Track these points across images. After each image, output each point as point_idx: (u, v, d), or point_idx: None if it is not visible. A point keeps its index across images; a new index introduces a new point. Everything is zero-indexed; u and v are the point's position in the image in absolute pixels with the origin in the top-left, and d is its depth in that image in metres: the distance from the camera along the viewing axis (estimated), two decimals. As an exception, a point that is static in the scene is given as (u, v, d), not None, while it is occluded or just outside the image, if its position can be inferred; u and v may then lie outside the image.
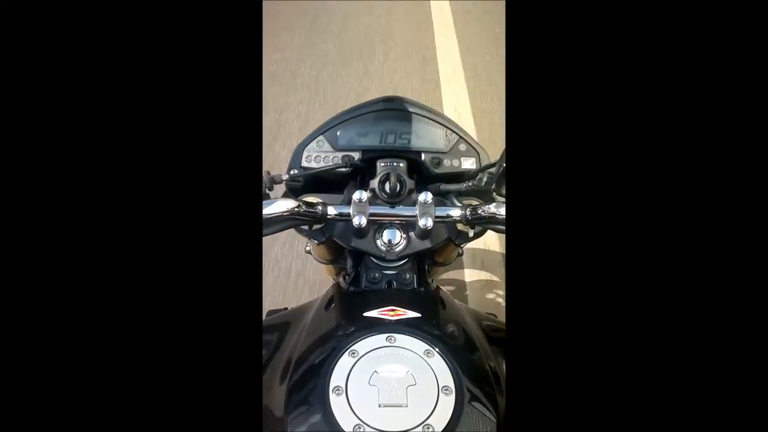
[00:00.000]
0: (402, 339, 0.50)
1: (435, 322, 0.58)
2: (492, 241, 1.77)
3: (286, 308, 0.82)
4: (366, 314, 0.54)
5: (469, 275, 1.70)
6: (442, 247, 0.73)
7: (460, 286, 1.67)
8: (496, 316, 0.80)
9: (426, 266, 0.74)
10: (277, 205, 0.58)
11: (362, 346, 0.49)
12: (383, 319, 0.53)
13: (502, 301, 1.64)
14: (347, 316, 0.59)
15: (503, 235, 0.65)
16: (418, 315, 0.55)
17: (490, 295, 1.65)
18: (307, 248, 0.85)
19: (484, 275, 1.70)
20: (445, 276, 1.67)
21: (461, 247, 0.78)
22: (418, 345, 0.49)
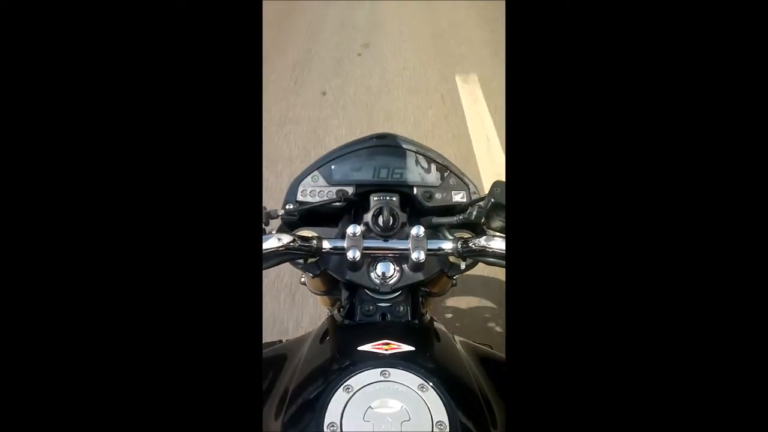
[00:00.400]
0: (396, 373, 0.50)
1: (429, 355, 0.59)
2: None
3: (280, 340, 0.82)
4: (360, 348, 0.55)
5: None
6: (435, 278, 0.74)
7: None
8: (491, 347, 0.80)
9: (420, 298, 0.75)
10: (272, 241, 0.60)
11: (357, 381, 0.49)
12: (377, 353, 0.54)
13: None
14: (341, 351, 0.60)
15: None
16: (412, 348, 0.55)
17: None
18: (302, 280, 0.86)
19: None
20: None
21: (454, 278, 0.80)
22: (412, 379, 0.50)
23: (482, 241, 0.62)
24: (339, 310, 0.73)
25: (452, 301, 1.69)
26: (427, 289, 0.80)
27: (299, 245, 0.62)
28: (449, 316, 1.65)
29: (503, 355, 0.68)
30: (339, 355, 0.58)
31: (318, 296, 0.89)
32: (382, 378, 0.50)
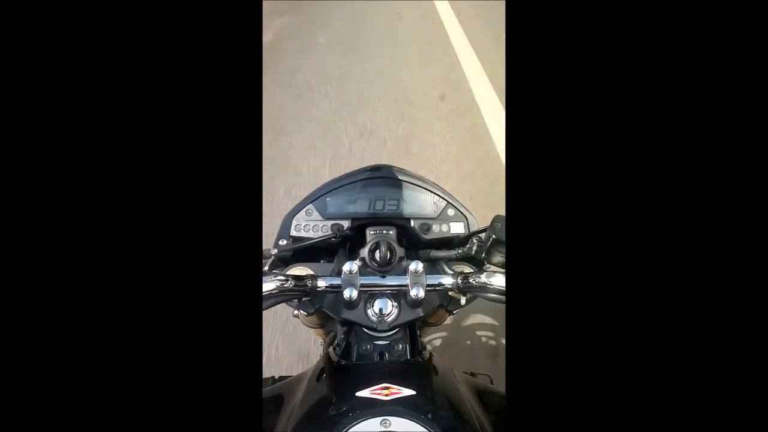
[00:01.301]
0: (397, 422, 0.48)
1: (430, 396, 0.57)
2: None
3: (273, 377, 0.79)
4: (358, 394, 0.53)
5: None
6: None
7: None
8: (491, 377, 0.78)
9: (418, 331, 0.73)
10: (265, 284, 0.58)
11: None
12: (377, 399, 0.52)
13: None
14: (339, 396, 0.58)
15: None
16: (413, 392, 0.53)
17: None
18: (295, 312, 0.84)
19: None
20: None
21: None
22: (414, 428, 0.48)
23: (483, 277, 0.60)
24: (335, 348, 0.71)
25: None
26: (425, 320, 0.78)
27: (293, 285, 0.60)
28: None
29: (503, 390, 0.67)
30: (336, 401, 0.56)
31: (312, 329, 0.87)
32: (383, 428, 0.48)
